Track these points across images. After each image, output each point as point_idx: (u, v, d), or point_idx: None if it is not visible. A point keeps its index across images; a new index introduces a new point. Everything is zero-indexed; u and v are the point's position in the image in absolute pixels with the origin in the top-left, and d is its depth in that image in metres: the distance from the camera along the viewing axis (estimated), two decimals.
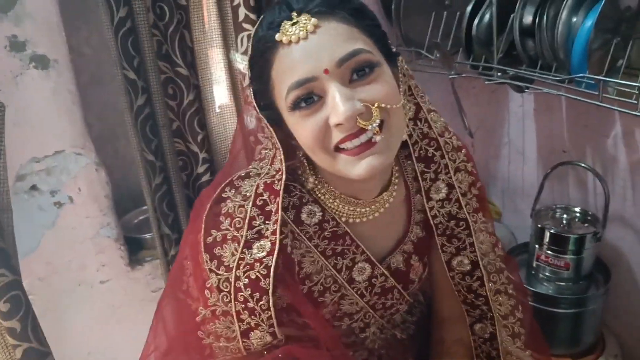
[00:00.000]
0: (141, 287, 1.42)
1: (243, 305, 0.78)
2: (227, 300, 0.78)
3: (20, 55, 1.12)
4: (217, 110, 1.42)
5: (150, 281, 1.44)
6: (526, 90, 1.25)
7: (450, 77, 1.30)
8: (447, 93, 1.50)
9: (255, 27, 0.76)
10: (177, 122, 1.30)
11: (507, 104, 1.67)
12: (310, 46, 0.68)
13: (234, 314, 0.79)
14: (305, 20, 0.68)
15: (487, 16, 1.25)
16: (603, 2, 0.99)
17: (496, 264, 0.94)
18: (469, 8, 1.28)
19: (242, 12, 1.25)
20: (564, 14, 1.08)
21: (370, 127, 0.69)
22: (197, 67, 1.33)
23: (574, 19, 1.09)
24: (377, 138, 0.71)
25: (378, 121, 0.70)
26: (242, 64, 1.35)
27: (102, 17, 1.14)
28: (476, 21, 1.25)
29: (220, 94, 1.41)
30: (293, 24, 0.69)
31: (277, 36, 0.69)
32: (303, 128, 0.73)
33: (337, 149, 0.73)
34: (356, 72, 0.70)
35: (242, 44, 1.29)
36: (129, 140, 1.28)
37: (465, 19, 1.28)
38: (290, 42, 0.68)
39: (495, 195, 1.85)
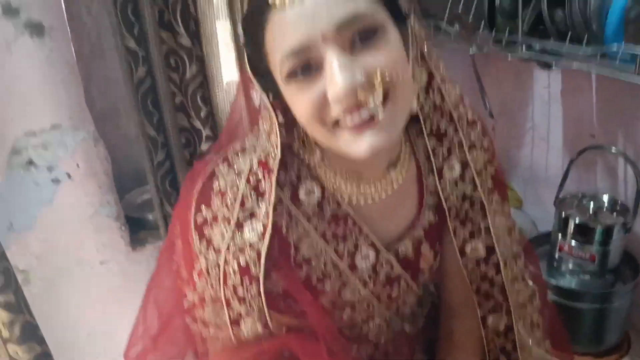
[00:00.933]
0: (142, 268, 1.37)
1: (232, 292, 0.72)
2: (216, 285, 0.73)
3: (14, 21, 1.07)
4: (225, 86, 1.35)
5: (152, 263, 1.38)
6: (553, 69, 1.15)
7: (471, 53, 1.20)
8: (467, 72, 1.41)
9: None
10: (179, 96, 1.24)
11: (531, 85, 1.57)
12: (306, 8, 0.59)
13: (223, 300, 0.73)
14: None
15: None
16: None
17: (513, 249, 0.86)
18: None
19: None
20: None
21: (371, 101, 0.61)
22: (202, 38, 1.26)
23: None
24: (380, 114, 0.62)
25: (381, 95, 0.62)
26: None
27: None
28: None
29: (226, 69, 1.35)
30: None
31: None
32: (299, 100, 0.65)
33: (336, 124, 0.65)
34: (358, 36, 0.61)
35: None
36: (131, 116, 1.23)
37: None
38: (284, 4, 0.60)
39: (517, 183, 1.75)
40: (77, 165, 1.21)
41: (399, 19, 0.68)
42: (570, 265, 1.33)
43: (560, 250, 1.34)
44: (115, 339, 1.36)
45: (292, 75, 0.63)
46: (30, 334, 0.95)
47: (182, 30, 1.18)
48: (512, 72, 1.59)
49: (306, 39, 0.60)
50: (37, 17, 1.08)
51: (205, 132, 1.27)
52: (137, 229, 1.40)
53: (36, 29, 1.09)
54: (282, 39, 0.62)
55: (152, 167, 1.24)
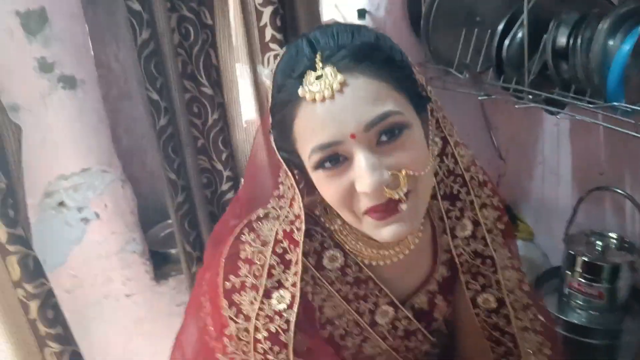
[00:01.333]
0: (166, 300, 1.44)
1: (262, 357, 0.76)
2: (247, 350, 0.77)
3: (49, 76, 1.15)
4: (244, 125, 1.42)
5: (175, 295, 1.45)
6: (558, 117, 1.19)
7: (480, 98, 1.25)
8: (477, 110, 1.46)
9: (277, 62, 0.72)
10: (201, 140, 1.31)
11: (541, 121, 1.60)
12: (336, 108, 0.63)
13: None
14: (331, 75, 0.63)
15: (519, 35, 1.21)
16: None
17: (523, 301, 0.90)
18: (500, 27, 1.23)
19: (269, 32, 1.24)
20: (600, 37, 1.02)
21: (396, 196, 0.66)
22: (223, 85, 1.33)
23: (611, 42, 1.03)
24: (404, 207, 0.67)
25: (405, 189, 0.67)
26: (268, 79, 1.34)
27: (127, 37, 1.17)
28: (507, 41, 1.20)
29: (246, 111, 1.42)
30: (317, 78, 0.64)
31: (300, 92, 0.65)
32: (328, 188, 0.69)
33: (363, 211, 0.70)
34: (384, 133, 0.65)
35: (268, 63, 1.29)
36: (155, 155, 1.30)
37: (496, 39, 1.24)
38: (314, 100, 0.64)
39: (528, 215, 1.78)
40: (105, 205, 1.29)
41: (420, 105, 0.72)
42: (580, 301, 1.36)
43: (569, 286, 1.37)
44: None
45: (320, 165, 0.67)
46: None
47: (204, 79, 1.25)
48: (523, 108, 1.63)
49: (335, 137, 0.64)
50: (69, 71, 1.16)
51: (226, 173, 1.34)
52: (160, 262, 1.47)
53: (69, 83, 1.17)
54: (311, 132, 0.66)
55: (173, 208, 1.31)
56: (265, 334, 0.75)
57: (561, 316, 1.35)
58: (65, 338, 1.00)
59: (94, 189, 1.27)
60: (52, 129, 1.18)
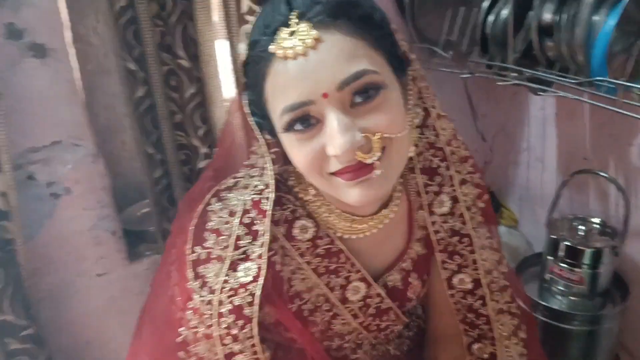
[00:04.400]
0: (140, 280, 1.40)
1: (226, 331, 0.73)
2: (210, 323, 0.74)
3: (18, 43, 1.10)
4: (224, 105, 1.38)
5: (150, 275, 1.42)
6: (540, 94, 1.17)
7: (462, 77, 1.23)
8: (463, 93, 1.43)
9: (254, 22, 0.69)
10: (179, 115, 1.28)
11: (527, 107, 1.59)
12: (309, 65, 0.60)
13: (217, 338, 0.74)
14: (305, 31, 0.60)
15: (504, 12, 1.18)
16: (626, 1, 0.91)
17: (499, 282, 0.88)
18: (485, 4, 1.21)
19: (246, 3, 1.20)
20: (584, 13, 1.00)
21: (369, 160, 0.63)
22: (201, 60, 1.29)
23: (595, 18, 1.01)
24: (377, 172, 0.64)
25: (378, 154, 0.64)
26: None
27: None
28: (491, 18, 1.18)
29: (225, 88, 1.38)
30: (291, 34, 0.61)
31: (272, 48, 0.62)
32: (298, 151, 0.66)
33: (332, 173, 0.67)
34: (359, 94, 0.62)
35: (245, 37, 1.25)
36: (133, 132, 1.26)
37: (481, 15, 1.21)
38: (286, 57, 0.61)
39: (513, 202, 1.77)
40: (77, 180, 1.24)
41: (399, 68, 0.69)
42: (561, 287, 1.35)
43: (550, 272, 1.36)
44: (113, 347, 1.41)
45: (290, 126, 0.64)
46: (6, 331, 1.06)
47: (182, 52, 1.21)
48: (509, 94, 1.61)
49: (306, 96, 0.61)
50: (40, 39, 1.12)
51: (203, 150, 1.30)
52: (136, 241, 1.43)
53: (39, 51, 1.12)
54: (282, 91, 0.63)
55: (150, 183, 1.27)
56: (229, 306, 0.72)
57: (542, 302, 1.34)
58: None
59: (64, 163, 1.22)
60: (22, 99, 1.14)
